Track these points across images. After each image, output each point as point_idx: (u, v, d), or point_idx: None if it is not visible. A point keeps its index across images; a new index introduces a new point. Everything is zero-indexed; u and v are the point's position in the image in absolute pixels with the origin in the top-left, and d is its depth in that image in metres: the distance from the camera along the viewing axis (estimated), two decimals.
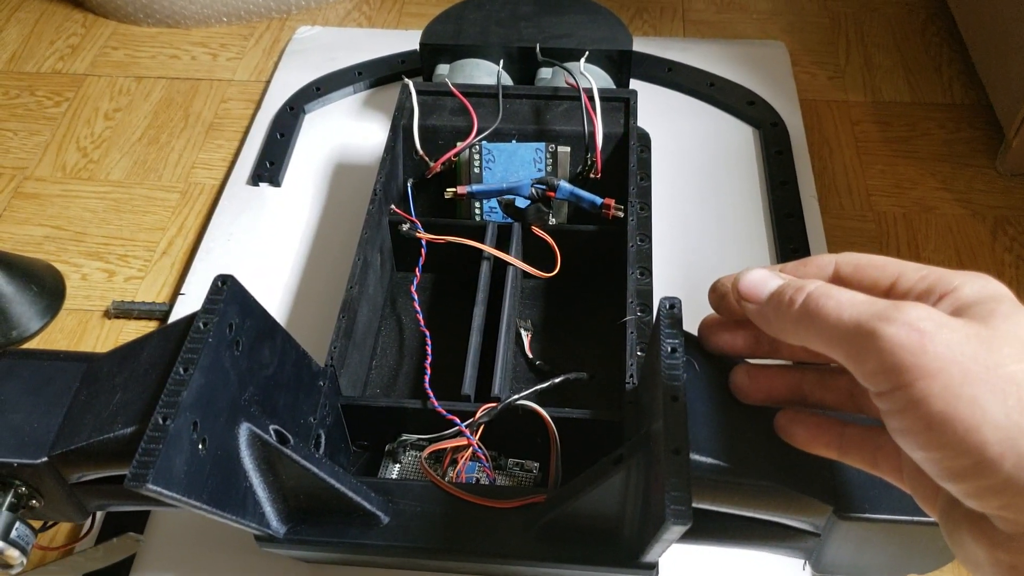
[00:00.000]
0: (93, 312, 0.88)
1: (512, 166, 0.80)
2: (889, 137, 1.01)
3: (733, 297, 0.40)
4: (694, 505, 0.41)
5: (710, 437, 0.44)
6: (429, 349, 0.71)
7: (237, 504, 0.50)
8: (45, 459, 0.48)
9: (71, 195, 1.00)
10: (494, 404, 0.65)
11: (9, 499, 0.49)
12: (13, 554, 0.49)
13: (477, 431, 0.65)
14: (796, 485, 0.44)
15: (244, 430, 0.50)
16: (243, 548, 0.67)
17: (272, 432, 0.51)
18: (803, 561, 0.51)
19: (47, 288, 0.88)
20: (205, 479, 0.46)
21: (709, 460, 0.43)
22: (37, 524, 0.54)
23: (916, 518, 0.44)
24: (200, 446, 0.45)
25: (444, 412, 0.65)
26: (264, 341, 0.54)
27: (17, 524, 0.49)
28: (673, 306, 0.47)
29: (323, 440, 0.62)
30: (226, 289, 0.50)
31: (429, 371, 0.68)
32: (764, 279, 0.39)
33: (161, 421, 0.43)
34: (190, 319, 0.49)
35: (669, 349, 0.45)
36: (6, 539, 0.48)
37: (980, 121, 1.01)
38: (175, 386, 0.44)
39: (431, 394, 0.66)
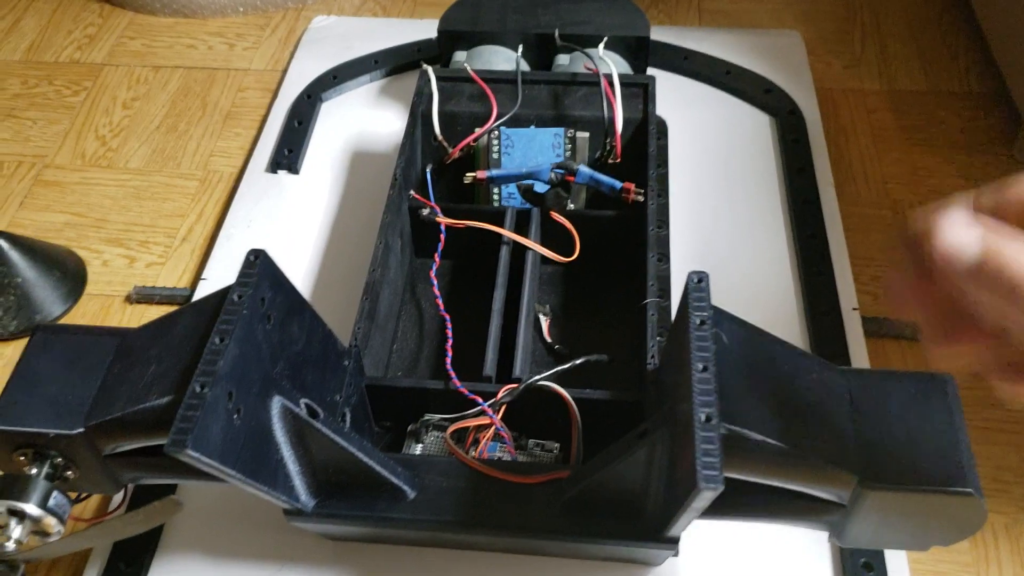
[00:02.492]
0: (115, 297, 0.89)
1: (531, 151, 0.81)
2: (905, 125, 1.01)
3: (927, 256, 0.34)
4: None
5: (738, 406, 0.44)
6: (449, 332, 0.71)
7: (269, 476, 0.51)
8: (81, 430, 0.49)
9: (91, 183, 1.00)
10: (515, 385, 0.66)
11: (46, 469, 0.50)
12: (51, 522, 0.49)
13: (499, 411, 0.66)
14: (822, 454, 0.45)
15: (276, 403, 0.50)
16: (268, 525, 0.68)
17: (303, 406, 0.52)
18: (827, 534, 0.52)
19: (69, 273, 0.89)
20: (239, 449, 0.46)
21: (737, 428, 0.44)
22: (71, 496, 0.54)
23: (943, 488, 0.45)
24: (235, 416, 0.46)
25: (467, 392, 0.66)
26: (293, 317, 0.54)
27: (55, 493, 0.50)
28: (701, 280, 0.47)
29: (348, 419, 0.63)
30: (259, 263, 0.50)
31: (451, 353, 0.69)
32: (968, 242, 0.34)
33: (199, 389, 0.43)
34: (223, 293, 0.49)
35: (698, 321, 0.45)
36: (44, 507, 0.49)
37: (997, 109, 1.01)
38: (211, 355, 0.45)
39: (453, 375, 0.66)
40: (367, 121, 1.02)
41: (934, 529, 0.48)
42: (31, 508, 0.49)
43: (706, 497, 0.41)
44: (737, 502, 0.50)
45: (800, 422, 0.45)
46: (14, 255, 0.86)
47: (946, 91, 1.04)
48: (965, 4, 1.12)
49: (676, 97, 1.00)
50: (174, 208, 0.97)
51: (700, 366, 0.43)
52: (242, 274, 0.50)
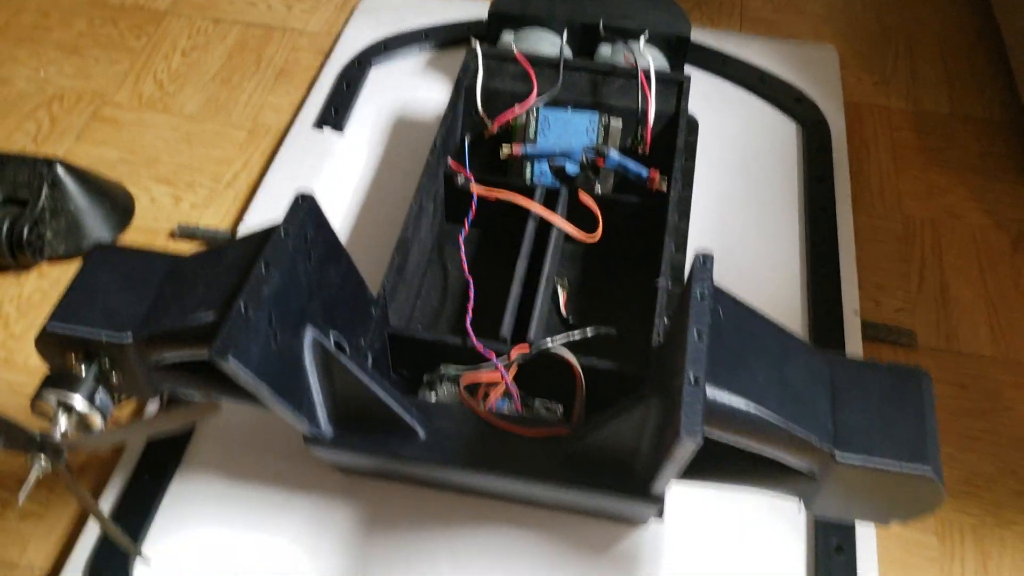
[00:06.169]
0: (159, 232, 0.94)
1: (566, 133, 0.85)
2: (926, 145, 1.05)
3: None
4: (705, 434, 0.46)
5: (726, 374, 0.48)
6: (472, 293, 0.76)
7: (296, 399, 0.55)
8: (131, 338, 0.54)
9: (146, 124, 1.05)
10: (528, 346, 0.70)
11: (94, 370, 0.55)
12: (96, 418, 0.54)
13: (510, 370, 0.70)
14: (800, 425, 0.49)
15: (309, 334, 0.55)
16: (284, 454, 0.73)
17: (332, 340, 0.56)
18: (799, 502, 0.56)
19: (118, 206, 0.95)
20: (274, 369, 0.51)
21: (722, 391, 0.48)
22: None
23: (908, 468, 0.49)
24: (273, 339, 0.51)
25: (482, 348, 0.70)
26: (331, 262, 0.59)
27: (100, 392, 0.55)
28: (706, 261, 0.52)
29: (369, 362, 0.68)
30: (305, 205, 0.55)
31: (471, 313, 0.73)
32: None
33: (243, 309, 0.48)
34: (270, 230, 0.54)
35: (699, 294, 0.50)
36: (91, 403, 0.54)
37: (1015, 138, 1.05)
38: (256, 281, 0.50)
39: (471, 332, 0.71)
40: (413, 90, 1.06)
41: (896, 506, 0.53)
42: (79, 402, 0.54)
43: (687, 447, 0.46)
44: (716, 465, 0.55)
45: (782, 397, 0.49)
46: (69, 182, 0.91)
47: (969, 116, 1.08)
48: (997, 36, 1.15)
49: (710, 97, 1.04)
50: (222, 155, 1.02)
51: (695, 333, 0.48)
52: (290, 212, 0.54)
